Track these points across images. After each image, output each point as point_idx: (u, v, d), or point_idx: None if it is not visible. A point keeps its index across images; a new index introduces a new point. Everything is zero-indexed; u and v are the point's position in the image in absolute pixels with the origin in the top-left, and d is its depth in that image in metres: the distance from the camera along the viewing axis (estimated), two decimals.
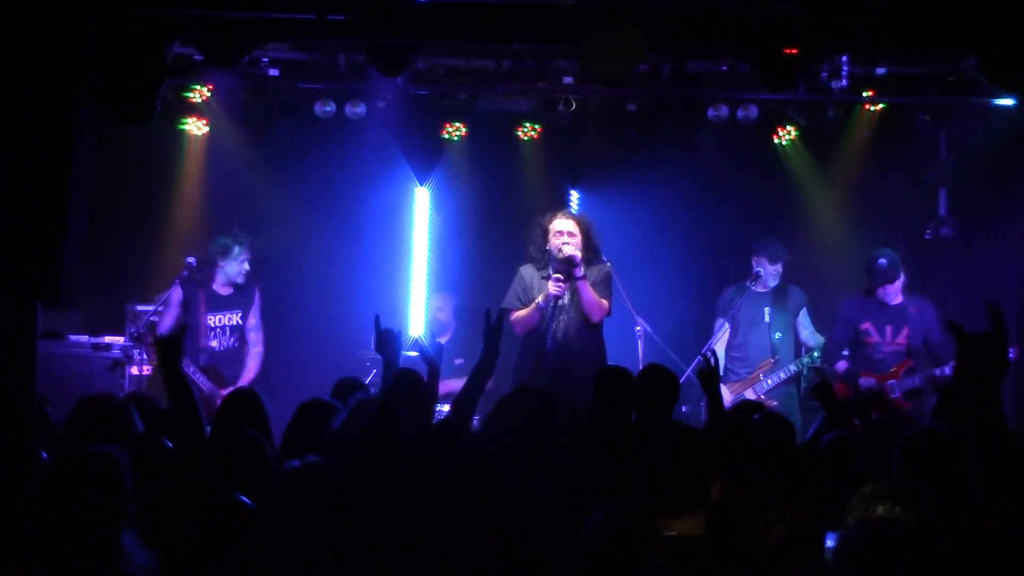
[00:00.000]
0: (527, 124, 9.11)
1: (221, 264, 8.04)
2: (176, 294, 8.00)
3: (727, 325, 8.29)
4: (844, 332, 8.08)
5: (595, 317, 7.19)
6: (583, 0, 5.91)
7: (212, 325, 8.08)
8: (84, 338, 8.10)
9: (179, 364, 4.17)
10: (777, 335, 8.28)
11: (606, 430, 4.99)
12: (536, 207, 7.76)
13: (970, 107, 8.63)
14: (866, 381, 7.95)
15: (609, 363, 7.26)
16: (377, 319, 5.40)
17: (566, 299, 7.16)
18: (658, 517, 3.46)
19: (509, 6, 6.03)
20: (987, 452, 2.65)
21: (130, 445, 3.94)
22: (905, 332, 7.97)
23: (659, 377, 5.49)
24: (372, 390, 6.09)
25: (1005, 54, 6.06)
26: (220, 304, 8.07)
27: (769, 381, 8.20)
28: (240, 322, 8.13)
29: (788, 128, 9.05)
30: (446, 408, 5.90)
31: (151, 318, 7.93)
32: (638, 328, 8.02)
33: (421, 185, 9.41)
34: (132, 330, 7.93)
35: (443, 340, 8.86)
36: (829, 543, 3.47)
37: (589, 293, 7.12)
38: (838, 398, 5.24)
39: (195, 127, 8.95)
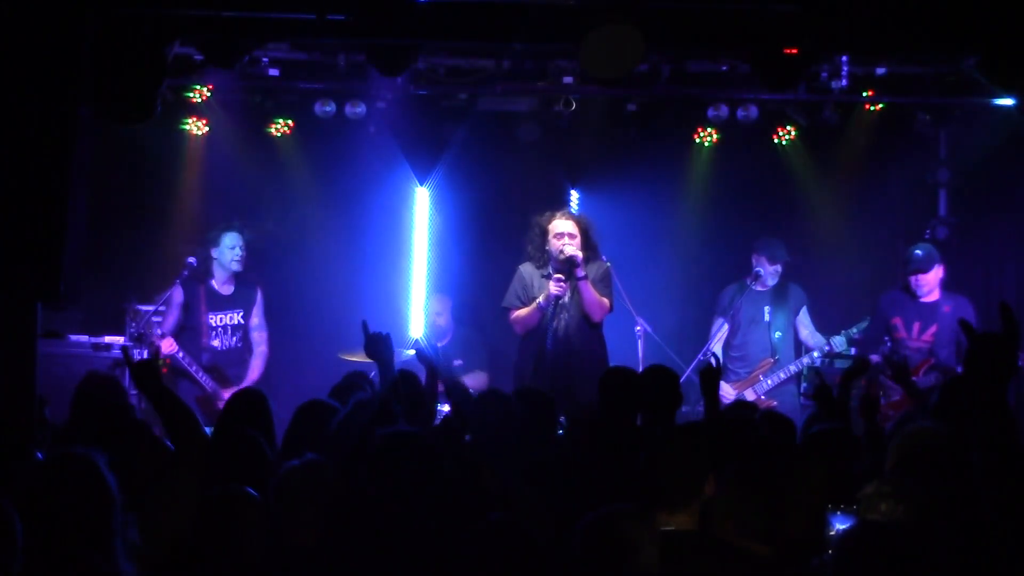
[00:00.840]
0: (527, 124, 9.10)
1: (214, 256, 8.07)
2: (177, 295, 8.01)
3: (725, 325, 8.29)
4: (877, 326, 8.10)
5: (597, 316, 7.19)
6: (583, 0, 5.90)
7: (214, 324, 8.09)
8: (84, 338, 8.10)
9: (158, 383, 4.14)
10: (777, 334, 8.27)
11: (612, 430, 4.99)
12: (536, 207, 7.76)
13: (970, 107, 8.62)
14: (882, 377, 7.94)
15: (610, 362, 7.28)
16: (365, 324, 5.22)
17: (567, 298, 7.16)
18: (654, 513, 3.47)
19: (509, 6, 6.03)
20: (993, 452, 2.64)
21: (129, 446, 3.95)
22: (932, 330, 7.94)
23: (662, 378, 5.49)
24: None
25: (1005, 54, 6.06)
26: (221, 303, 8.08)
27: (769, 381, 8.19)
28: (242, 321, 8.14)
29: (788, 128, 9.04)
30: (446, 408, 5.89)
31: (153, 318, 7.93)
32: (638, 328, 8.02)
33: (421, 185, 9.41)
34: (132, 330, 7.93)
35: (442, 344, 8.88)
36: (838, 526, 3.48)
37: (591, 293, 7.12)
38: (834, 402, 5.24)
39: (195, 127, 8.95)
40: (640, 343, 8.05)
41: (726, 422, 4.91)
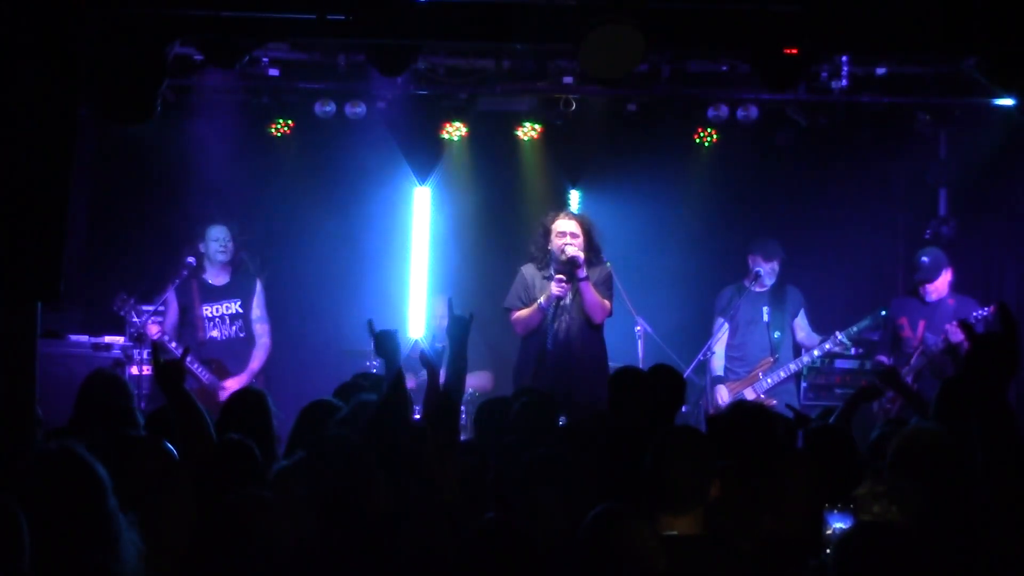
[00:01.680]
0: (527, 124, 9.11)
1: (202, 250, 8.15)
2: (173, 295, 8.05)
3: (727, 325, 8.30)
4: (887, 330, 8.15)
5: (597, 318, 7.18)
6: (583, 0, 5.90)
7: (209, 315, 8.13)
8: (84, 338, 8.12)
9: (181, 384, 4.20)
10: (776, 334, 8.29)
11: (622, 431, 4.98)
12: (536, 207, 7.78)
13: (970, 107, 8.62)
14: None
15: (610, 363, 7.29)
16: (370, 323, 5.23)
17: (568, 299, 7.16)
18: (658, 516, 3.46)
19: (509, 6, 6.02)
20: (994, 451, 2.64)
21: (130, 448, 3.94)
22: (929, 328, 8.00)
23: (667, 378, 5.48)
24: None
25: (1005, 54, 6.06)
26: (214, 294, 8.15)
27: (769, 380, 8.21)
28: (240, 310, 8.18)
29: (788, 128, 9.04)
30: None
31: (152, 319, 7.95)
32: (638, 328, 8.02)
33: (421, 185, 9.41)
34: (132, 330, 7.95)
35: (443, 345, 8.87)
36: (835, 525, 3.48)
37: (592, 294, 7.11)
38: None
39: (197, 127, 8.94)
40: (640, 343, 8.05)
41: (730, 422, 4.90)
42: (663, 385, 5.38)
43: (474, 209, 9.38)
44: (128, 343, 8.04)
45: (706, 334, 8.44)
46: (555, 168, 9.40)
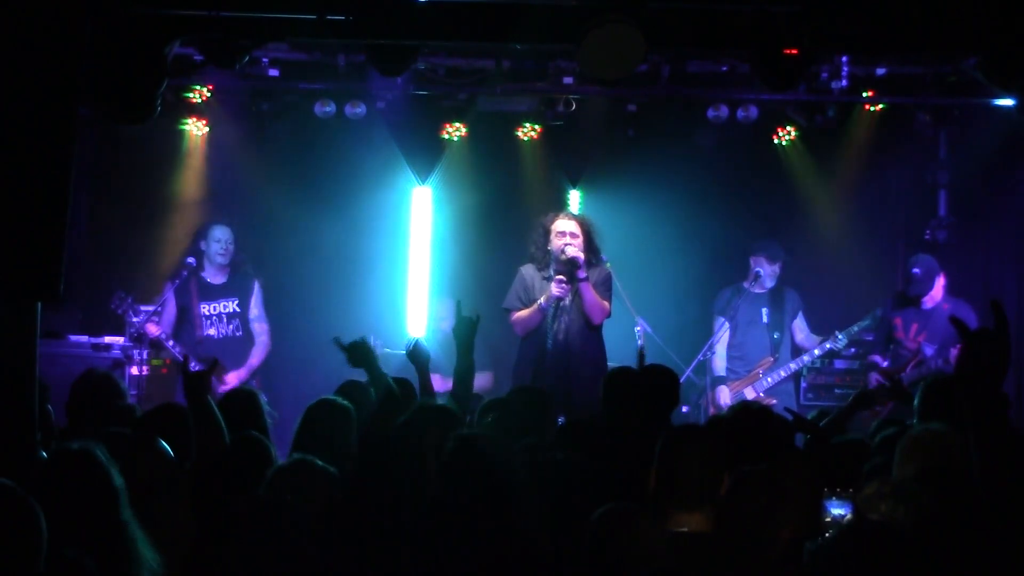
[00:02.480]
0: (527, 124, 9.11)
1: (203, 248, 8.20)
2: (172, 294, 8.07)
3: (727, 324, 8.30)
4: (883, 328, 8.17)
5: (597, 319, 7.18)
6: (583, 0, 5.90)
7: (207, 313, 8.16)
8: (84, 338, 8.12)
9: (206, 395, 4.24)
10: (775, 334, 8.30)
11: (615, 430, 4.98)
12: (536, 207, 7.77)
13: (970, 107, 8.63)
14: (876, 378, 8.01)
15: (609, 363, 7.29)
16: (337, 339, 5.22)
17: (567, 300, 7.16)
18: (669, 513, 3.46)
19: (509, 6, 6.02)
20: (989, 450, 2.64)
21: (127, 449, 3.95)
22: (924, 335, 8.02)
23: (661, 378, 5.48)
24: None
25: (1005, 54, 6.06)
26: (213, 292, 8.18)
27: (769, 379, 8.22)
28: (238, 309, 8.21)
29: (788, 128, 9.05)
30: None
31: (151, 319, 7.96)
32: (638, 328, 8.02)
33: (421, 185, 9.41)
34: (132, 330, 7.95)
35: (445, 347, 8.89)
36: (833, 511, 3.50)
37: (591, 295, 7.11)
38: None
39: (195, 127, 8.95)
40: (640, 343, 8.05)
41: (732, 422, 4.90)
42: (657, 386, 5.37)
43: (474, 209, 9.37)
44: (128, 343, 8.04)
45: (706, 334, 8.45)
46: (555, 168, 9.39)
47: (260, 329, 8.30)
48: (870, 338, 8.41)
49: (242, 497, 3.54)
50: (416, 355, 5.54)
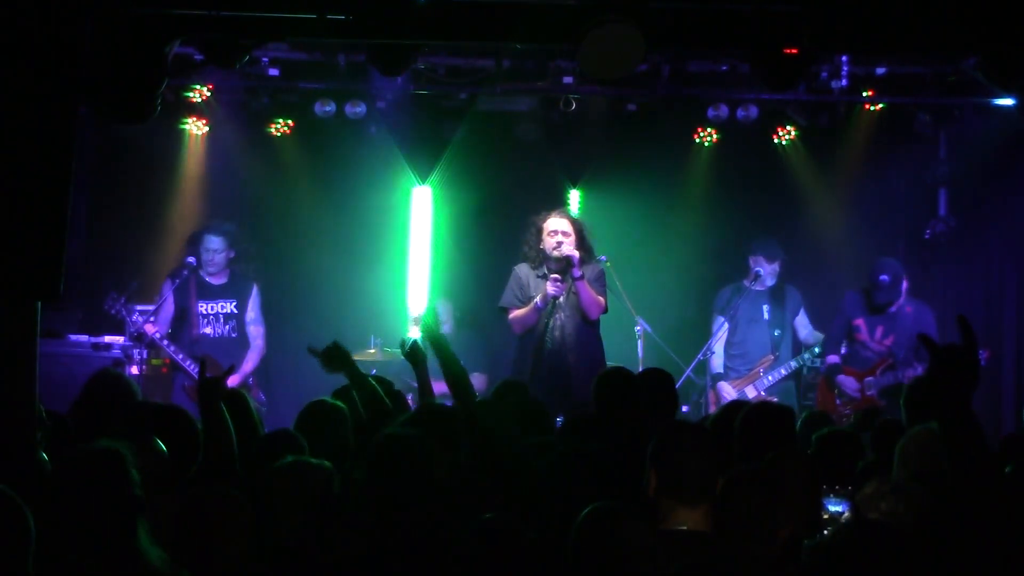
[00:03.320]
0: (527, 124, 9.10)
1: (202, 252, 8.21)
2: (171, 295, 8.08)
3: (726, 324, 8.31)
4: (840, 325, 8.20)
5: (594, 315, 7.22)
6: (583, 0, 5.90)
7: (204, 313, 8.18)
8: (84, 338, 8.11)
9: (219, 401, 4.25)
10: (776, 332, 8.31)
11: (610, 432, 4.98)
12: (536, 207, 7.76)
13: (970, 107, 8.63)
14: (845, 379, 8.04)
15: (607, 360, 7.30)
16: (310, 348, 5.26)
17: (562, 298, 7.18)
18: (669, 510, 3.46)
19: (509, 6, 6.02)
20: (959, 462, 2.67)
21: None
22: (892, 339, 8.07)
23: (657, 381, 5.46)
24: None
25: (1005, 54, 6.06)
26: (211, 292, 8.21)
27: (769, 377, 8.23)
28: (235, 311, 8.22)
29: (788, 128, 9.05)
30: None
31: (150, 318, 7.96)
32: (638, 328, 8.02)
33: (421, 185, 9.41)
34: (131, 329, 7.96)
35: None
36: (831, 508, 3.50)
37: (587, 292, 7.13)
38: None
39: (195, 127, 8.95)
40: (640, 343, 8.06)
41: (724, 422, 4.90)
42: (652, 388, 5.36)
43: (474, 209, 9.37)
44: (128, 343, 8.05)
45: (706, 333, 8.45)
46: (555, 168, 9.39)
47: (256, 332, 8.31)
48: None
49: (211, 493, 3.55)
50: (414, 356, 5.53)
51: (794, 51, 6.06)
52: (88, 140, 8.31)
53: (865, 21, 5.99)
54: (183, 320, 8.18)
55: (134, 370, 8.03)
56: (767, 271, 8.36)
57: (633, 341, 8.05)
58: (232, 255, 8.33)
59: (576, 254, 7.13)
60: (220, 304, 8.23)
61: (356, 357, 5.43)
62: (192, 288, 8.15)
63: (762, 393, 8.14)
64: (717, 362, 8.35)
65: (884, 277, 8.05)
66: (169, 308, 8.15)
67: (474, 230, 9.40)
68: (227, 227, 8.33)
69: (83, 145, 7.46)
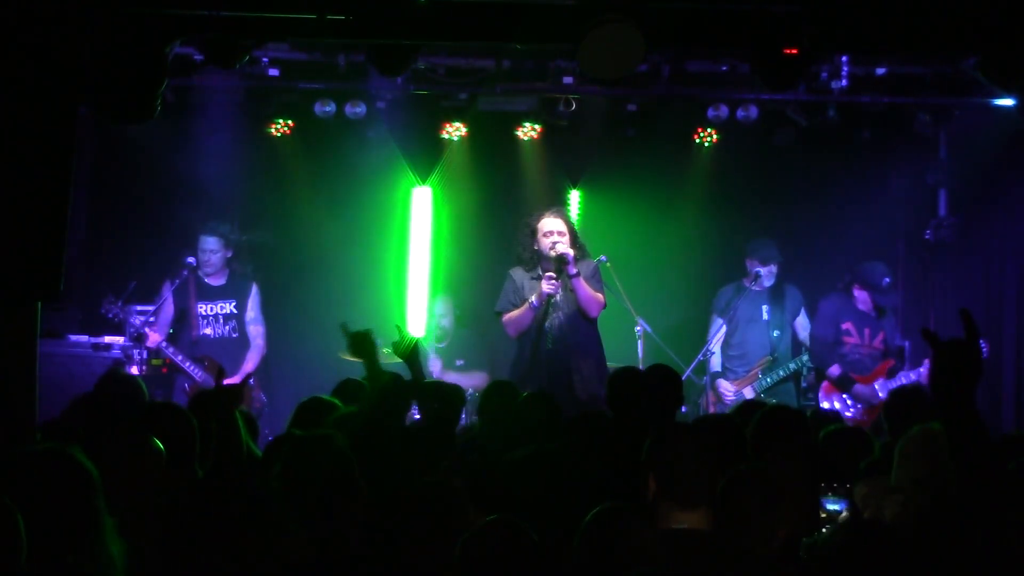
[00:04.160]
0: (527, 124, 9.11)
1: (199, 254, 8.24)
2: (171, 296, 8.08)
3: (724, 325, 8.31)
4: (829, 331, 8.17)
5: (594, 312, 7.22)
6: (583, 0, 5.90)
7: (204, 313, 8.18)
8: (84, 338, 8.11)
9: (233, 411, 4.27)
10: (775, 333, 8.30)
11: (622, 430, 4.98)
12: (536, 207, 7.77)
13: (970, 107, 8.63)
14: (859, 388, 8.02)
15: (609, 363, 7.30)
16: (344, 325, 5.14)
17: (559, 296, 7.18)
18: (668, 511, 3.47)
19: (509, 6, 6.02)
20: (964, 458, 2.67)
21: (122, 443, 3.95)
22: (881, 336, 8.10)
23: (665, 378, 5.48)
24: None
25: (1005, 54, 6.06)
26: (210, 293, 8.21)
27: (768, 379, 8.22)
28: (235, 311, 8.23)
29: (787, 128, 9.04)
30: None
31: (149, 319, 7.96)
32: (638, 328, 8.03)
33: (421, 185, 9.41)
34: (131, 330, 7.96)
35: (444, 344, 8.89)
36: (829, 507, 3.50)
37: (585, 290, 7.14)
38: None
39: (197, 127, 8.94)
40: (640, 343, 8.06)
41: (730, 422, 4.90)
42: (661, 385, 5.38)
43: (474, 209, 9.38)
44: (128, 343, 8.04)
45: (706, 334, 8.45)
46: (555, 168, 9.39)
47: (256, 332, 8.32)
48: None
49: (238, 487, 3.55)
50: (404, 352, 5.51)
51: (794, 51, 6.06)
52: (88, 140, 8.31)
53: (865, 21, 6.00)
54: (183, 321, 8.19)
55: (134, 370, 8.04)
56: (764, 273, 8.37)
57: (633, 341, 8.05)
58: (229, 255, 8.33)
59: (571, 252, 7.14)
60: (219, 305, 8.23)
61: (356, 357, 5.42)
62: (191, 289, 8.16)
63: (760, 395, 8.14)
64: (716, 362, 8.36)
65: (888, 280, 8.10)
66: (168, 309, 8.16)
67: (474, 230, 9.40)
68: (222, 227, 8.33)
69: (83, 145, 7.46)
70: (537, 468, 3.93)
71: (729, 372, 8.35)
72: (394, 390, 5.03)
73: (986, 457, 2.66)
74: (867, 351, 8.13)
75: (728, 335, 8.39)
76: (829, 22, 6.03)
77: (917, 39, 6.22)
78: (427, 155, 9.31)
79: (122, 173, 8.99)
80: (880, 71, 8.38)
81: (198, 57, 7.32)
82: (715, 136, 9.06)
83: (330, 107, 8.58)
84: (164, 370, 8.19)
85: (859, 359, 8.13)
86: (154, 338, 7.93)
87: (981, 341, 2.76)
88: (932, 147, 9.25)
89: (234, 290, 8.28)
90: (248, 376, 8.09)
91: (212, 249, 8.23)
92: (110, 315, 7.94)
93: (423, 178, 9.38)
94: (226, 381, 7.86)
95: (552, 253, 7.14)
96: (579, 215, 9.23)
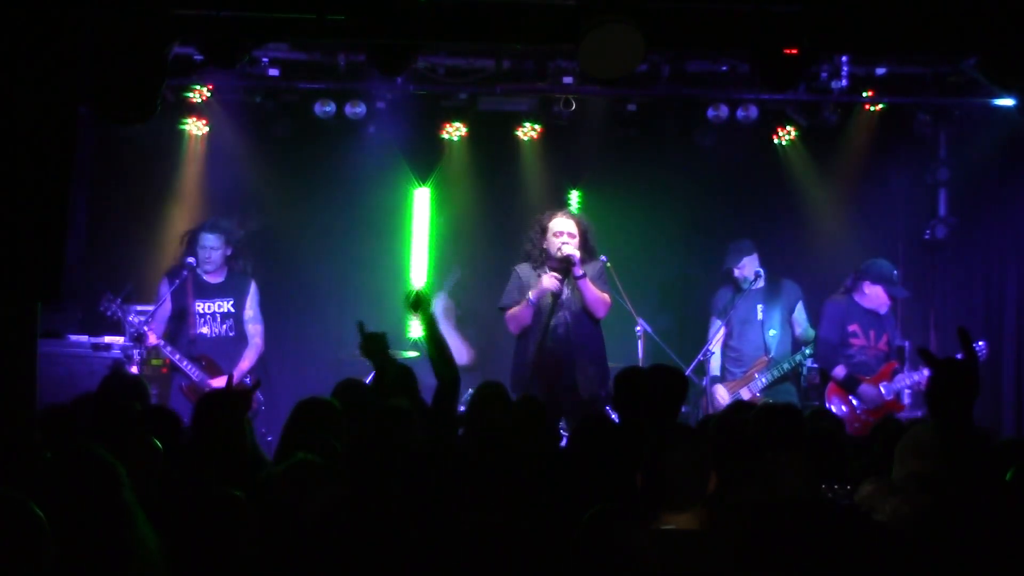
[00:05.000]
0: (527, 124, 9.11)
1: (199, 251, 8.20)
2: (165, 290, 8.09)
3: (723, 326, 8.30)
4: (835, 333, 8.13)
5: (601, 313, 7.23)
6: (583, 0, 5.90)
7: (202, 312, 8.17)
8: (84, 338, 8.11)
9: (243, 416, 4.28)
10: (771, 332, 8.28)
11: (627, 430, 4.98)
12: (536, 207, 7.77)
13: (970, 107, 8.63)
14: (865, 388, 8.00)
15: (609, 363, 7.30)
16: (361, 324, 5.35)
17: (564, 295, 7.18)
18: (657, 514, 3.47)
19: (509, 6, 6.02)
20: (963, 469, 2.67)
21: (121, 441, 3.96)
22: (885, 338, 8.11)
23: (669, 377, 5.48)
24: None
25: (1005, 54, 6.06)
26: (209, 291, 8.20)
27: (764, 379, 8.21)
28: (232, 309, 8.21)
29: (788, 128, 9.04)
30: None
31: (148, 318, 7.96)
32: (638, 328, 8.02)
33: (421, 185, 9.41)
34: (131, 330, 7.96)
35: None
36: None
37: (592, 291, 7.14)
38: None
39: (195, 127, 8.95)
40: (640, 343, 8.05)
41: (726, 422, 4.90)
42: (665, 384, 5.38)
43: (474, 209, 9.37)
44: (128, 343, 8.04)
45: (705, 334, 8.44)
46: (555, 168, 9.39)
47: (254, 330, 8.30)
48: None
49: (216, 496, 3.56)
50: (417, 305, 5.54)
51: (794, 51, 6.06)
52: (88, 140, 8.30)
53: (865, 21, 6.00)
54: (181, 320, 8.18)
55: (134, 370, 8.03)
56: (751, 269, 8.32)
57: (633, 341, 8.05)
58: (229, 252, 8.32)
59: (577, 254, 7.13)
60: (217, 303, 8.22)
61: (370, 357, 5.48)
62: (190, 288, 8.15)
63: (757, 395, 8.13)
64: (715, 364, 8.34)
65: (896, 273, 8.13)
66: (166, 308, 8.14)
67: (474, 230, 9.40)
68: (224, 224, 8.32)
69: (83, 145, 7.45)
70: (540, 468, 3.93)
71: (728, 374, 8.34)
72: (406, 381, 5.07)
73: (983, 474, 2.68)
74: (873, 353, 8.11)
75: (726, 336, 8.38)
76: (829, 22, 6.03)
77: (917, 39, 6.22)
78: (427, 155, 9.30)
79: (122, 173, 8.99)
80: (880, 71, 8.38)
81: (198, 57, 7.32)
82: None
83: (330, 107, 8.58)
84: (164, 371, 8.19)
85: (865, 360, 8.09)
86: (154, 338, 7.93)
87: (981, 341, 2.78)
88: (932, 147, 9.25)
89: (232, 288, 8.27)
90: (244, 374, 8.11)
91: (213, 246, 8.21)
92: (108, 313, 7.94)
93: (423, 178, 9.37)
94: (220, 379, 7.93)
95: (559, 254, 7.14)
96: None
